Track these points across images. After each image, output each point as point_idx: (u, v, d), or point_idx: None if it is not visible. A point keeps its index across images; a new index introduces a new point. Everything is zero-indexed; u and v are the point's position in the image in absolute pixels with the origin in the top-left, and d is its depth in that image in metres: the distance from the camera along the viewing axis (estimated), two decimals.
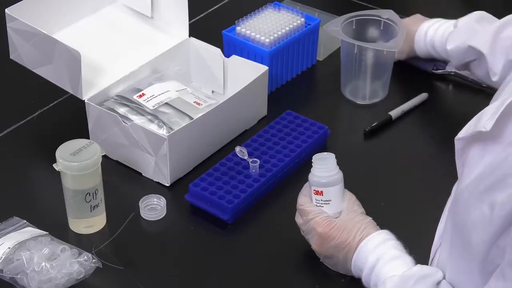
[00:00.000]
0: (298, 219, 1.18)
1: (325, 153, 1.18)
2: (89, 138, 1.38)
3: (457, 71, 1.56)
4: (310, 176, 1.17)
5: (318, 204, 1.16)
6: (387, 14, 1.51)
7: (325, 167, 1.17)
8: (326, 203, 1.16)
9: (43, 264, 1.13)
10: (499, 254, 0.90)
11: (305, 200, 1.17)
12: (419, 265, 1.06)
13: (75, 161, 1.18)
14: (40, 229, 1.22)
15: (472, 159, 0.96)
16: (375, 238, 1.10)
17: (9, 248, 1.17)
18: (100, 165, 1.21)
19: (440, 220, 1.09)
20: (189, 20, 1.49)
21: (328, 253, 1.14)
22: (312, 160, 1.17)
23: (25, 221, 1.24)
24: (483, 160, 0.93)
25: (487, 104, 1.54)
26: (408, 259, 1.08)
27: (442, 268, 1.03)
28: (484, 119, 0.93)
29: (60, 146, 1.20)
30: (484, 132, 0.92)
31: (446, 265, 1.01)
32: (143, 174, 1.35)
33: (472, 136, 0.95)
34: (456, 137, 0.99)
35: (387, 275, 1.06)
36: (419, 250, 1.12)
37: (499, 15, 1.46)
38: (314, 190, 1.17)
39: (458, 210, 0.97)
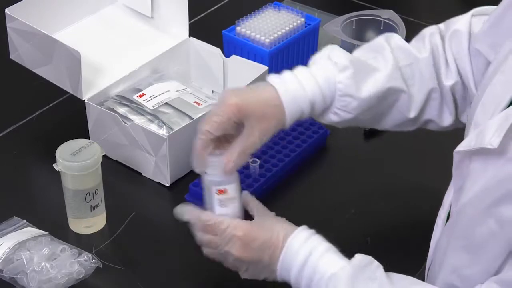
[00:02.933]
0: (206, 237, 1.07)
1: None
2: (89, 138, 1.38)
3: None
4: (210, 177, 1.08)
5: (222, 205, 1.08)
6: (387, 14, 1.51)
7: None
8: (233, 202, 1.08)
9: (43, 264, 1.13)
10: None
11: (209, 215, 1.07)
12: (359, 255, 1.02)
13: (75, 161, 1.18)
14: (40, 229, 1.22)
15: (474, 172, 0.94)
16: (301, 233, 1.04)
17: (9, 248, 1.17)
18: (100, 165, 1.21)
19: (433, 232, 1.07)
20: (189, 20, 1.49)
21: (253, 257, 1.05)
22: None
23: (25, 221, 1.24)
24: (486, 173, 0.92)
25: None
26: (337, 250, 1.03)
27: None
28: (488, 136, 0.90)
29: (60, 146, 1.21)
30: (480, 148, 0.91)
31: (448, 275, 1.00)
32: (143, 174, 1.35)
33: (474, 151, 0.94)
34: (455, 150, 0.97)
35: (327, 267, 1.00)
36: (418, 250, 1.12)
37: None
38: (217, 190, 1.08)
39: (461, 226, 0.96)
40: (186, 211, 1.09)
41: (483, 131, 0.93)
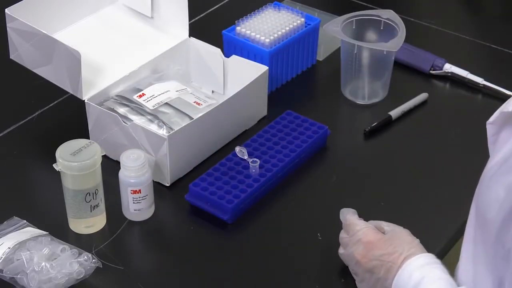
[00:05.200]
0: (342, 235, 1.16)
1: (135, 151, 1.25)
2: (89, 138, 1.38)
3: (454, 72, 1.57)
4: (127, 179, 1.23)
5: (135, 201, 1.24)
6: (387, 14, 1.51)
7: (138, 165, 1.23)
8: (144, 198, 1.24)
9: (43, 264, 1.13)
10: (509, 238, 0.90)
11: (353, 217, 1.15)
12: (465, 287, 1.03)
13: (75, 161, 1.18)
14: (40, 229, 1.22)
15: (501, 141, 0.97)
16: (422, 258, 1.06)
17: (9, 248, 1.17)
18: (100, 165, 1.21)
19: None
20: (189, 20, 1.49)
21: (370, 265, 1.08)
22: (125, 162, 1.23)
23: (25, 221, 1.24)
24: (508, 144, 0.93)
25: (485, 102, 1.55)
26: (453, 282, 1.03)
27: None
28: (510, 102, 0.95)
29: (60, 146, 1.20)
30: (509, 115, 0.93)
31: (470, 257, 1.01)
32: None
33: (503, 120, 0.96)
34: (488, 122, 0.99)
35: None
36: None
37: (498, 16, 1.46)
38: (131, 190, 1.23)
39: (480, 191, 0.97)
40: (345, 212, 1.18)
41: (509, 100, 0.96)
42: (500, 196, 0.91)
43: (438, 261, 1.06)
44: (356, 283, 1.12)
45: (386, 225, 1.13)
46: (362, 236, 1.11)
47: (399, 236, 1.10)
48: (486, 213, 0.94)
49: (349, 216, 1.16)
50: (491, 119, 0.99)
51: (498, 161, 0.94)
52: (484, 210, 0.95)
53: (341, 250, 1.15)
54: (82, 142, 1.21)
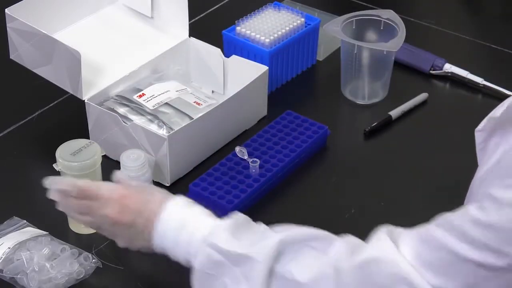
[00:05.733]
0: (83, 203, 1.07)
1: (135, 151, 1.24)
2: (89, 138, 1.38)
3: (454, 72, 1.57)
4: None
5: None
6: (387, 14, 1.51)
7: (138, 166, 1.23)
8: None
9: (43, 264, 1.13)
10: None
11: (86, 181, 1.08)
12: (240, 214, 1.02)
13: (75, 161, 1.18)
14: (40, 229, 1.22)
15: (490, 150, 0.96)
16: (178, 200, 1.04)
17: (9, 248, 1.17)
18: (100, 165, 1.21)
19: None
20: (189, 20, 1.49)
21: (129, 220, 1.04)
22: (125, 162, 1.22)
23: (25, 221, 1.24)
24: (498, 149, 0.93)
25: (485, 102, 1.55)
26: (217, 218, 1.02)
27: None
28: (498, 108, 0.94)
29: (60, 146, 1.20)
30: (498, 122, 0.92)
31: None
32: None
33: (492, 127, 0.95)
34: (476, 129, 0.99)
35: (206, 226, 1.00)
36: None
37: (498, 16, 1.46)
38: None
39: (470, 201, 0.97)
40: (59, 181, 1.10)
41: (498, 107, 0.95)
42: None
43: (192, 201, 1.05)
44: (117, 242, 1.08)
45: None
46: (114, 193, 1.06)
47: (144, 187, 1.09)
48: None
49: (81, 182, 1.08)
50: (480, 126, 0.98)
51: (489, 168, 0.93)
52: None
53: (85, 218, 1.09)
54: (82, 142, 1.21)
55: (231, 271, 0.97)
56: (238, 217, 1.01)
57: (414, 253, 0.88)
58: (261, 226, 1.01)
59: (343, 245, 0.94)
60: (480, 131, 0.99)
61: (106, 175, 1.26)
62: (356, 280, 0.90)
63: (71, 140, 1.22)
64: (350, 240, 0.96)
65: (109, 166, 1.34)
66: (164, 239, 1.02)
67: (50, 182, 1.09)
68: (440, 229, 0.87)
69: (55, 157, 1.19)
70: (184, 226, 1.01)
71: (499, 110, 0.94)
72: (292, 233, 0.97)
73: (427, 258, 0.87)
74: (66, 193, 1.08)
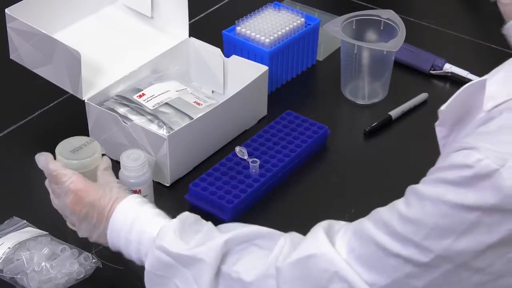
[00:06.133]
0: (52, 186, 1.13)
1: (135, 151, 1.24)
2: None
3: (454, 72, 1.57)
4: (127, 179, 1.22)
5: None
6: (387, 14, 1.51)
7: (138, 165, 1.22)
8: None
9: (43, 264, 1.13)
10: None
11: (57, 165, 1.12)
12: (188, 212, 1.03)
13: (75, 158, 1.18)
14: (40, 229, 1.22)
15: (446, 149, 0.97)
16: (132, 198, 1.06)
17: (9, 248, 1.17)
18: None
19: None
20: (189, 20, 1.49)
21: (84, 213, 1.07)
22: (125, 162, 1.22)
23: (25, 221, 1.24)
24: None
25: None
26: (167, 216, 1.05)
27: None
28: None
29: (60, 143, 1.20)
30: (454, 119, 0.93)
31: None
32: None
33: (451, 121, 0.95)
34: (436, 124, 0.99)
35: (155, 227, 1.01)
36: None
37: (498, 16, 1.46)
38: (131, 190, 1.18)
39: None
40: (40, 159, 1.13)
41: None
42: None
43: (146, 200, 1.08)
44: (79, 234, 1.11)
45: (99, 172, 1.13)
46: (71, 184, 1.08)
47: (108, 182, 1.11)
48: None
49: (52, 165, 1.12)
50: (438, 121, 0.98)
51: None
52: None
53: (54, 201, 1.14)
54: (82, 140, 1.21)
55: (181, 272, 0.98)
56: (185, 217, 1.02)
57: (348, 248, 0.89)
58: (207, 225, 1.01)
59: (287, 242, 0.94)
60: (439, 126, 0.99)
61: None
62: (294, 276, 0.91)
63: (71, 137, 1.21)
64: (293, 236, 0.96)
65: None
66: (117, 236, 1.05)
67: (36, 158, 1.14)
68: (370, 223, 0.88)
69: (55, 157, 1.19)
70: (134, 225, 1.03)
71: (445, 104, 0.93)
72: (238, 233, 0.97)
73: (359, 253, 0.88)
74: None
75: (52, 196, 1.15)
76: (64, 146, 1.20)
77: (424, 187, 0.85)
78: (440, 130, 0.99)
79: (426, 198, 0.83)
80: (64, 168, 1.11)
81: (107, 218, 1.05)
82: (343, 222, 0.95)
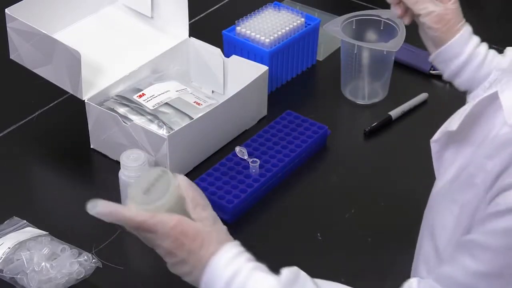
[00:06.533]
0: (138, 233, 0.97)
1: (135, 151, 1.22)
2: (89, 138, 1.38)
3: None
4: (127, 179, 1.21)
5: None
6: (387, 14, 1.51)
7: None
8: None
9: (43, 264, 1.13)
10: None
11: (144, 215, 0.96)
12: (286, 269, 0.96)
13: (149, 202, 0.97)
14: (40, 229, 1.22)
15: (446, 161, 0.97)
16: (228, 251, 0.97)
17: (9, 248, 1.17)
18: (176, 194, 0.99)
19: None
20: (189, 20, 1.49)
21: (181, 257, 0.97)
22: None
23: (25, 221, 1.24)
24: (456, 162, 0.93)
25: None
26: (265, 268, 0.97)
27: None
28: (453, 121, 0.95)
29: (131, 187, 1.00)
30: (453, 133, 0.93)
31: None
32: None
33: (446, 138, 0.96)
34: (431, 140, 1.00)
35: (256, 286, 0.95)
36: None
37: (498, 16, 1.46)
38: None
39: (430, 216, 0.97)
40: (104, 212, 0.93)
41: (451, 119, 0.96)
42: (455, 215, 0.91)
43: (242, 249, 0.98)
44: (169, 267, 1.01)
45: (190, 209, 0.99)
46: (172, 231, 0.96)
47: (206, 224, 0.98)
48: (439, 236, 0.94)
49: (140, 216, 0.94)
50: (435, 137, 0.99)
51: (447, 183, 0.94)
52: (437, 234, 0.94)
53: (145, 242, 1.00)
54: (151, 175, 0.98)
55: None
56: (287, 276, 0.96)
57: None
58: (307, 285, 0.96)
59: None
60: (435, 142, 0.99)
61: (107, 175, 1.26)
62: None
63: (139, 180, 1.00)
64: None
65: (109, 166, 1.35)
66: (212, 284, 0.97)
67: (91, 207, 0.94)
68: None
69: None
70: (232, 283, 0.95)
71: (455, 123, 0.93)
72: None
73: None
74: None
75: (142, 238, 1.00)
76: (137, 190, 0.99)
77: (486, 237, 0.83)
78: (435, 145, 0.99)
79: (494, 249, 0.82)
80: (150, 217, 0.96)
81: (204, 267, 0.97)
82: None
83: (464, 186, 0.90)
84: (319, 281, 0.98)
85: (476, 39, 1.13)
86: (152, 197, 0.96)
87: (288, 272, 0.95)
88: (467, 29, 1.12)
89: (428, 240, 0.98)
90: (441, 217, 0.94)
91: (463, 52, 1.12)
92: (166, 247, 0.98)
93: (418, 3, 1.11)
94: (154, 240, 0.98)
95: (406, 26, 1.49)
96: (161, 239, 0.97)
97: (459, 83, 1.16)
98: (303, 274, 0.97)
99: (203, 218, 0.98)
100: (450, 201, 0.92)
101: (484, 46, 1.13)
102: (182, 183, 0.98)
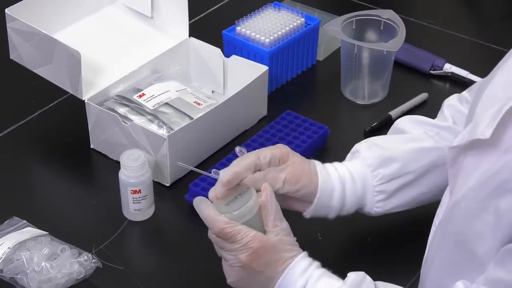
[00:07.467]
0: (224, 244, 1.04)
1: (135, 151, 1.25)
2: (89, 138, 1.38)
3: (454, 72, 1.57)
4: (127, 179, 1.23)
5: (135, 201, 1.24)
6: (387, 14, 1.51)
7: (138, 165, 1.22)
8: (144, 198, 1.24)
9: (43, 264, 1.13)
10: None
11: (227, 221, 1.03)
12: (353, 273, 1.01)
13: (226, 212, 1.04)
14: (40, 229, 1.22)
15: (467, 168, 0.94)
16: (299, 263, 1.03)
17: (9, 248, 1.17)
18: (257, 210, 1.05)
19: (431, 231, 1.06)
20: (189, 20, 1.49)
21: (258, 269, 1.02)
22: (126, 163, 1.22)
23: (25, 221, 1.24)
24: (480, 168, 0.92)
25: None
26: (331, 274, 1.04)
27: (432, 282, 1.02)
28: (481, 127, 0.91)
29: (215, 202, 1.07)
30: (482, 140, 0.90)
31: (443, 280, 0.99)
32: None
33: (467, 144, 0.94)
34: (451, 146, 0.97)
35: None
36: (419, 250, 1.11)
37: (498, 16, 1.46)
38: (131, 190, 1.23)
39: (455, 222, 0.95)
40: (203, 210, 1.04)
41: (476, 124, 0.93)
42: (490, 222, 0.89)
43: (311, 260, 1.05)
44: (228, 280, 1.06)
45: (270, 227, 1.05)
46: (251, 243, 1.02)
47: (279, 238, 1.05)
48: (475, 245, 0.92)
49: (221, 222, 1.02)
50: (455, 143, 0.96)
51: (472, 189, 0.92)
52: (471, 243, 0.93)
53: (220, 251, 1.06)
54: (235, 191, 1.07)
55: None
56: (354, 279, 1.01)
57: None
58: None
59: None
60: (455, 148, 0.96)
61: (107, 175, 1.26)
62: None
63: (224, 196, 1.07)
64: None
65: (109, 166, 1.35)
66: None
67: (196, 203, 1.05)
68: None
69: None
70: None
71: (487, 131, 0.89)
72: None
73: None
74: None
75: (217, 248, 1.06)
76: (220, 201, 1.06)
77: None
78: (453, 151, 0.97)
79: None
80: (236, 227, 1.02)
81: (278, 279, 1.03)
82: None
83: (496, 193, 0.88)
84: (380, 284, 1.02)
85: (326, 175, 1.17)
86: (230, 208, 1.04)
87: (354, 275, 1.01)
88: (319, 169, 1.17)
89: (455, 247, 0.96)
90: (472, 225, 0.92)
91: (334, 188, 1.15)
92: (244, 259, 1.03)
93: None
94: (232, 250, 1.03)
95: (406, 26, 1.49)
96: (241, 249, 1.03)
97: (350, 207, 1.17)
98: (368, 278, 1.02)
99: (281, 229, 1.05)
100: (479, 210, 0.90)
101: (332, 167, 1.18)
102: (268, 197, 1.05)
